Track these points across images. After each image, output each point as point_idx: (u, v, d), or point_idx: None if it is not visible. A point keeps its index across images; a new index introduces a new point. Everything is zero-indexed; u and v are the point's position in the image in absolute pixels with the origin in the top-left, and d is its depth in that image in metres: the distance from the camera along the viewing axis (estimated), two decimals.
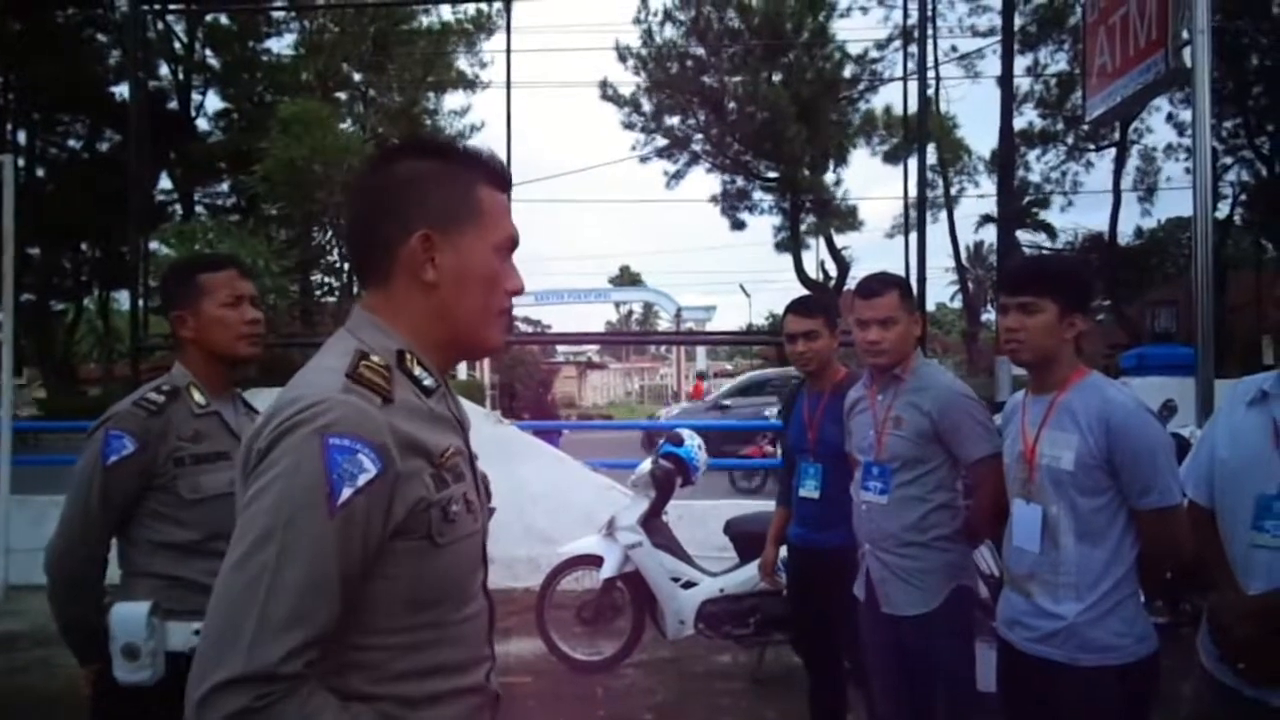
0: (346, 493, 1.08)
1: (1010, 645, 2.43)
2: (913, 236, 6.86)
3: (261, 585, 1.04)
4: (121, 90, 25.05)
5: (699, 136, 28.55)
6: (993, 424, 2.83)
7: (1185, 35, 4.54)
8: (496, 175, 1.31)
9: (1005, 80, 9.67)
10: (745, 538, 4.77)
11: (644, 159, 28.87)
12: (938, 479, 2.83)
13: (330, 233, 16.99)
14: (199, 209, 26.70)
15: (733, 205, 29.64)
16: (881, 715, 3.06)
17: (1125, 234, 29.02)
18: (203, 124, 27.89)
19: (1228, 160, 26.57)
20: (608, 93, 27.62)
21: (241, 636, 1.02)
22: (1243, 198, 27.48)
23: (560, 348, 45.10)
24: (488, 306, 1.30)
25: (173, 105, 26.73)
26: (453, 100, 29.43)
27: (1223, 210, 26.52)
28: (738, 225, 29.83)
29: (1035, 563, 2.34)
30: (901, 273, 6.74)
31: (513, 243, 1.32)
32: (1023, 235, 27.69)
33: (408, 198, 1.26)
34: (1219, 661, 2.15)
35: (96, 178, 23.82)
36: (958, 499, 2.89)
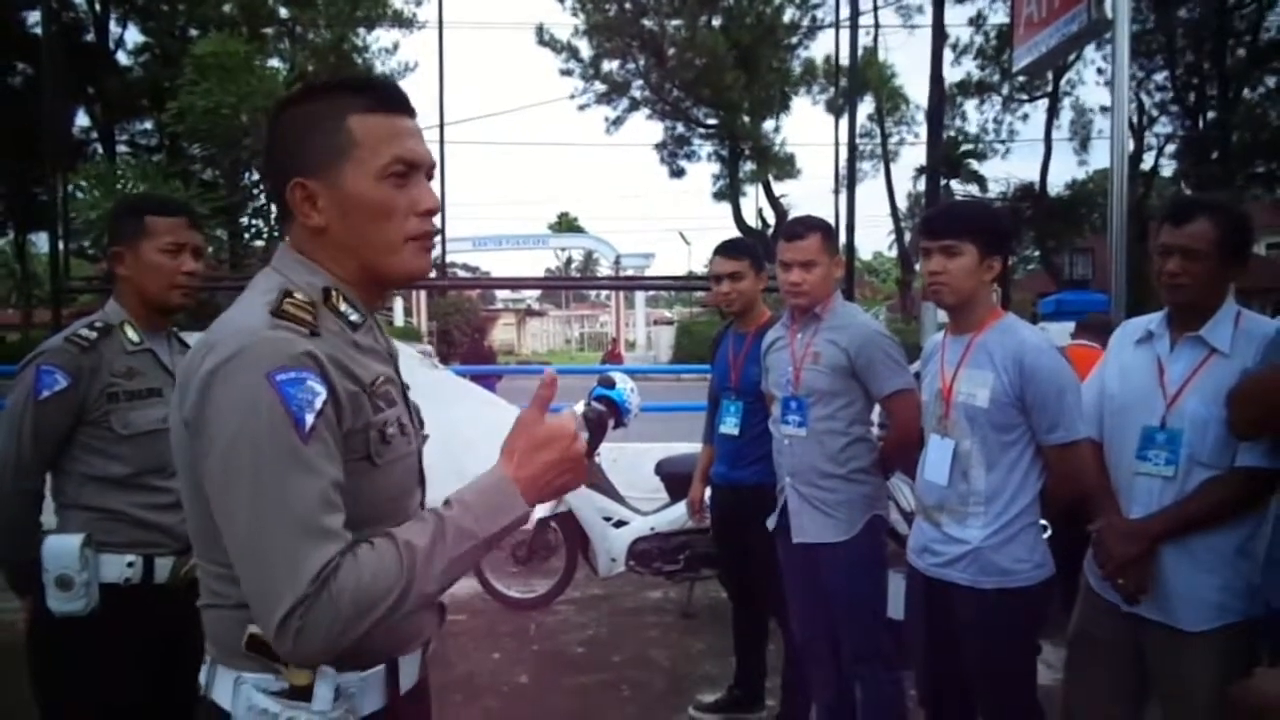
0: (310, 419, 1.13)
1: (918, 571, 2.55)
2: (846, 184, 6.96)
3: (272, 525, 1.09)
4: (33, 19, 23.73)
5: (638, 82, 28.26)
6: (905, 361, 2.95)
7: None
8: (376, 99, 1.27)
9: (936, 27, 9.74)
10: (675, 478, 4.86)
11: (583, 107, 28.53)
12: (853, 413, 2.94)
13: (258, 175, 16.45)
14: (121, 148, 25.62)
15: (672, 153, 29.53)
16: (798, 642, 3.20)
17: (1056, 185, 29.67)
18: (123, 59, 26.65)
19: (1154, 113, 27.24)
20: (544, 38, 27.13)
21: (278, 577, 1.08)
22: (1168, 149, 28.23)
23: (499, 294, 44.72)
24: (388, 235, 1.27)
25: (90, 38, 25.41)
26: (385, 38, 28.50)
27: (1148, 161, 27.25)
28: (677, 173, 29.76)
29: (943, 494, 2.46)
30: (834, 221, 6.84)
31: (405, 163, 1.26)
32: (956, 185, 28.07)
33: (283, 149, 1.28)
34: (1102, 580, 2.31)
35: (7, 113, 22.66)
36: (872, 432, 3.01)
